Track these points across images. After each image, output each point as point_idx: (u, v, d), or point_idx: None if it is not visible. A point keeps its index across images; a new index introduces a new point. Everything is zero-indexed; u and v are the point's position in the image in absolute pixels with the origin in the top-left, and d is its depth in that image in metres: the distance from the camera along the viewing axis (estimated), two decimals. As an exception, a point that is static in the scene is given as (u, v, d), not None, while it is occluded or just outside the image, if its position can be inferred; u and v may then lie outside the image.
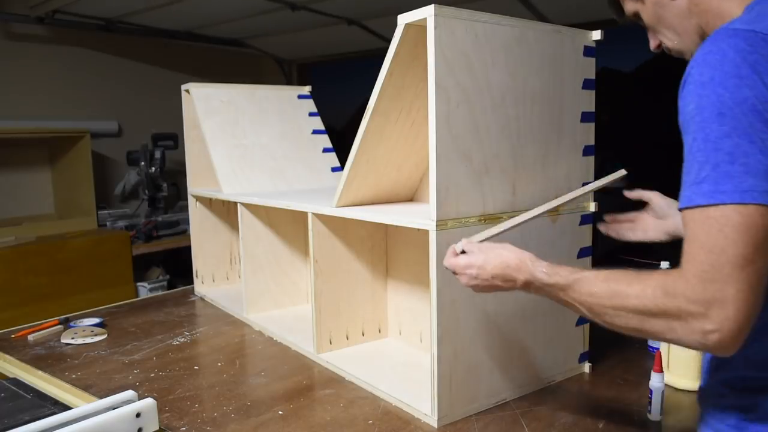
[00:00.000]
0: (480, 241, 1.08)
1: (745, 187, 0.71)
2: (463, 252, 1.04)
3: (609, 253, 1.21)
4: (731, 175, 0.72)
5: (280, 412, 1.27)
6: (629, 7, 1.02)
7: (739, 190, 0.71)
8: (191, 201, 2.30)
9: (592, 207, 1.42)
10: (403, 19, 1.15)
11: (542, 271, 0.95)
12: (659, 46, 1.03)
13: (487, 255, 1.01)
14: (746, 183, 0.71)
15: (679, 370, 1.34)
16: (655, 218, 1.28)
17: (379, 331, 1.71)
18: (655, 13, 0.98)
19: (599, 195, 1.41)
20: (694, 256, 0.73)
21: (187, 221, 2.80)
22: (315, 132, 2.30)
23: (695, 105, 0.76)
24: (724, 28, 0.79)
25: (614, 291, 0.81)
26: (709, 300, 0.70)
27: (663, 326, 0.75)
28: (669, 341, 0.77)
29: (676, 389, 1.33)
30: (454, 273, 1.05)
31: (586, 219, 1.41)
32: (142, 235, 3.54)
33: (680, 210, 0.76)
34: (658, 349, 1.52)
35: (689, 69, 0.80)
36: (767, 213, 0.71)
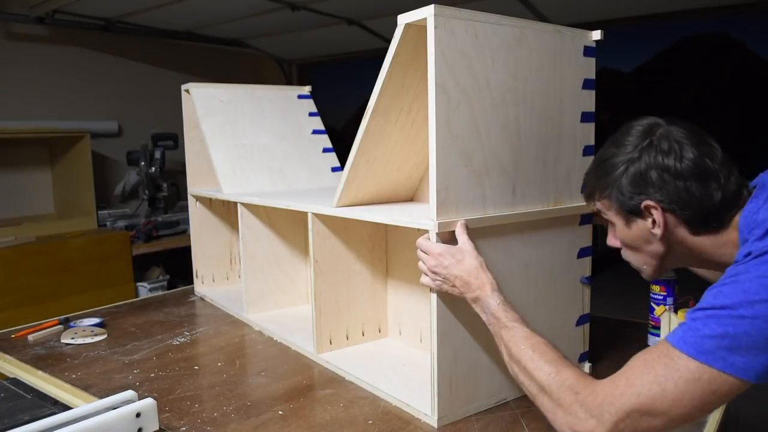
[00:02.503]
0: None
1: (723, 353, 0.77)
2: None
3: (608, 254, 1.21)
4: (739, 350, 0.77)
5: (280, 412, 1.27)
6: (607, 215, 1.05)
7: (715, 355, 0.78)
8: (191, 201, 2.30)
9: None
10: (403, 19, 1.15)
11: (496, 302, 1.07)
12: (616, 248, 1.08)
13: (464, 257, 1.11)
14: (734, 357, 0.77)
15: None
16: None
17: (379, 331, 1.71)
18: (633, 239, 1.02)
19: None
20: (625, 377, 0.85)
21: (187, 221, 2.80)
22: (315, 132, 2.30)
23: (742, 299, 0.79)
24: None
25: (533, 358, 0.96)
26: (595, 416, 0.85)
27: (549, 407, 0.91)
28: (547, 417, 0.92)
29: None
30: (423, 253, 1.14)
31: (586, 219, 1.41)
32: (142, 235, 3.54)
33: (666, 339, 0.84)
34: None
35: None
36: (723, 382, 0.78)
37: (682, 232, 0.96)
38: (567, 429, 0.87)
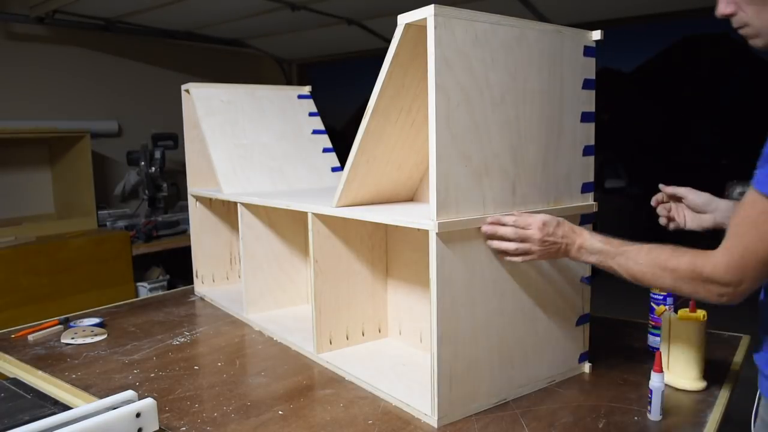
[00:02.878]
0: None
1: None
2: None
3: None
4: None
5: (280, 412, 1.27)
6: None
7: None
8: (191, 201, 2.30)
9: (592, 207, 1.42)
10: (403, 19, 1.15)
11: (598, 239, 1.17)
12: (730, 15, 0.97)
13: (546, 217, 1.20)
14: None
15: (679, 370, 1.34)
16: (691, 212, 1.34)
17: (379, 331, 1.71)
18: None
19: (599, 195, 1.41)
20: (733, 237, 0.95)
21: (187, 221, 2.80)
22: (315, 132, 2.30)
23: None
24: None
25: (654, 258, 1.06)
26: (727, 282, 0.96)
27: (689, 289, 1.02)
28: (691, 297, 1.05)
29: (676, 389, 1.33)
30: (523, 229, 1.19)
31: (586, 219, 1.41)
32: (142, 235, 3.54)
33: (751, 185, 0.92)
34: (658, 349, 1.52)
35: None
36: None
37: None
38: (714, 297, 0.99)
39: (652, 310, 1.54)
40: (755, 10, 0.93)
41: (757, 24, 0.93)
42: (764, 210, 0.90)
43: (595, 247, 1.16)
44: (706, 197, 1.31)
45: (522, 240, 1.19)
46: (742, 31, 0.97)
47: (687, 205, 1.34)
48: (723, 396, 1.29)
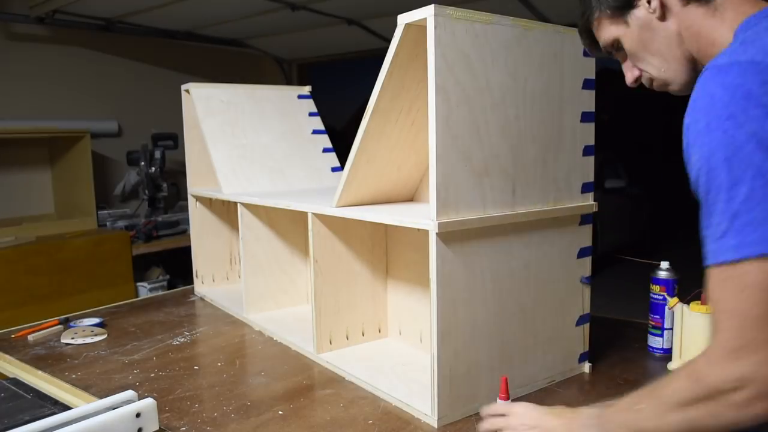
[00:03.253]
0: None
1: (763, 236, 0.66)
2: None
3: (608, 254, 1.21)
4: (753, 223, 0.67)
5: (280, 412, 1.27)
6: (607, 34, 0.98)
7: (764, 240, 0.66)
8: (191, 201, 2.30)
9: (592, 207, 1.42)
10: (403, 19, 1.15)
11: (592, 422, 0.89)
12: (638, 78, 0.99)
13: (531, 411, 0.99)
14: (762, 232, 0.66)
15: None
16: None
17: (379, 331, 1.71)
18: (640, 39, 0.94)
19: (599, 195, 1.41)
20: (719, 324, 0.70)
21: (187, 221, 2.80)
22: (315, 132, 2.30)
23: (698, 156, 0.72)
24: (710, 66, 0.76)
25: (651, 395, 0.79)
26: (739, 374, 0.68)
27: (705, 413, 0.72)
28: (721, 428, 0.72)
29: None
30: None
31: (585, 219, 1.41)
32: (142, 235, 3.54)
33: (705, 266, 0.72)
34: (659, 350, 1.52)
35: (685, 120, 0.76)
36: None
37: (675, 5, 0.89)
38: (744, 410, 0.69)
39: (652, 309, 1.54)
40: (655, 66, 0.95)
41: (663, 75, 0.95)
42: (732, 277, 0.69)
43: (591, 413, 0.90)
44: None
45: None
46: (655, 86, 0.98)
47: None
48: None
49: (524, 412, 1.00)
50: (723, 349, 0.69)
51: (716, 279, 0.71)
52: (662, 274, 1.52)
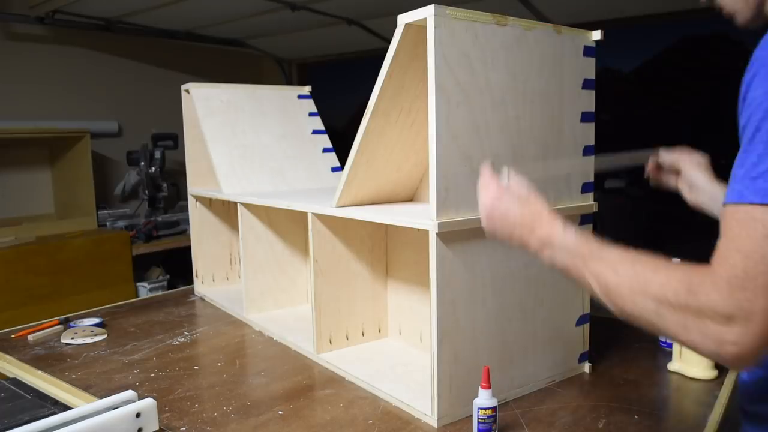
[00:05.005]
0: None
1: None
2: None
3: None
4: None
5: (280, 412, 1.27)
6: None
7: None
8: (191, 201, 2.30)
9: (592, 207, 1.42)
10: (403, 19, 1.15)
11: (572, 231, 0.86)
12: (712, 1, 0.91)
13: (531, 194, 0.94)
14: None
15: (691, 358, 1.34)
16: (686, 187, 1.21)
17: (379, 331, 1.71)
18: None
19: (599, 195, 1.41)
20: (728, 258, 0.65)
21: (187, 221, 2.80)
22: (315, 132, 2.30)
23: (764, 90, 0.66)
24: None
25: (638, 273, 0.73)
26: (734, 309, 0.63)
27: (678, 323, 0.68)
28: (681, 341, 0.69)
29: (688, 378, 1.33)
30: (484, 192, 0.97)
31: (585, 219, 1.41)
32: (142, 235, 3.54)
33: (725, 204, 0.67)
34: (670, 345, 1.52)
35: (758, 53, 0.70)
36: None
37: None
38: (713, 344, 0.65)
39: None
40: None
41: (730, 4, 0.89)
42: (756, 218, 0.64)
43: (567, 242, 0.86)
44: (706, 176, 1.16)
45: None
46: (724, 13, 0.92)
47: (684, 179, 1.21)
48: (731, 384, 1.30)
49: (507, 198, 0.95)
50: (731, 277, 0.64)
51: (738, 217, 0.65)
52: None
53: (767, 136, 0.64)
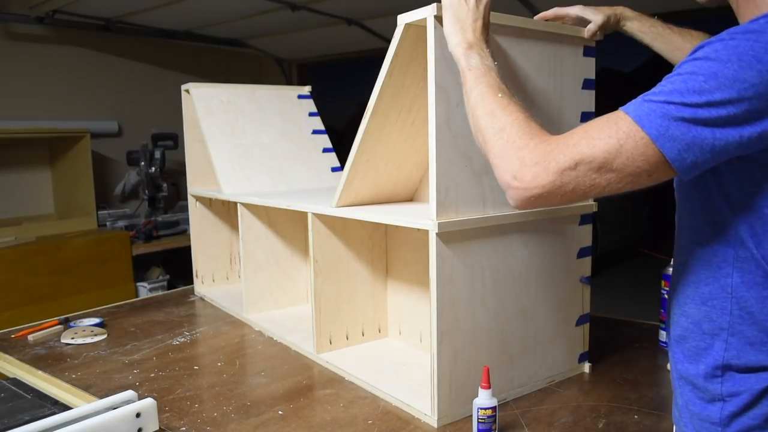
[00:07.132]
0: None
1: (657, 113, 0.71)
2: None
3: (609, 253, 1.21)
4: (661, 100, 0.72)
5: (280, 412, 1.27)
6: None
7: (647, 113, 0.72)
8: (191, 201, 2.30)
9: (592, 207, 1.42)
10: (403, 19, 1.15)
11: (488, 58, 0.99)
12: None
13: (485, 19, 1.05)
14: (661, 110, 0.71)
15: None
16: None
17: (379, 331, 1.71)
18: None
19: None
20: (576, 132, 0.78)
21: (187, 221, 2.80)
22: (315, 132, 2.30)
23: (722, 46, 0.71)
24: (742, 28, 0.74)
25: (510, 103, 0.89)
26: (540, 162, 0.77)
27: (500, 150, 0.83)
28: (492, 164, 0.84)
29: None
30: None
31: (585, 219, 1.41)
32: (142, 235, 3.54)
33: (622, 108, 0.77)
34: (666, 344, 1.52)
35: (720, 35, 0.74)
36: (645, 144, 0.72)
37: None
38: (508, 176, 0.80)
39: (662, 305, 1.53)
40: None
41: None
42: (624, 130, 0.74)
43: (484, 57, 0.99)
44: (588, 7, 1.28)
45: None
46: None
47: (580, 22, 1.31)
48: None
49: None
50: (556, 140, 0.78)
51: (612, 118, 0.76)
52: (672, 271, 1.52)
53: (666, 79, 0.74)
